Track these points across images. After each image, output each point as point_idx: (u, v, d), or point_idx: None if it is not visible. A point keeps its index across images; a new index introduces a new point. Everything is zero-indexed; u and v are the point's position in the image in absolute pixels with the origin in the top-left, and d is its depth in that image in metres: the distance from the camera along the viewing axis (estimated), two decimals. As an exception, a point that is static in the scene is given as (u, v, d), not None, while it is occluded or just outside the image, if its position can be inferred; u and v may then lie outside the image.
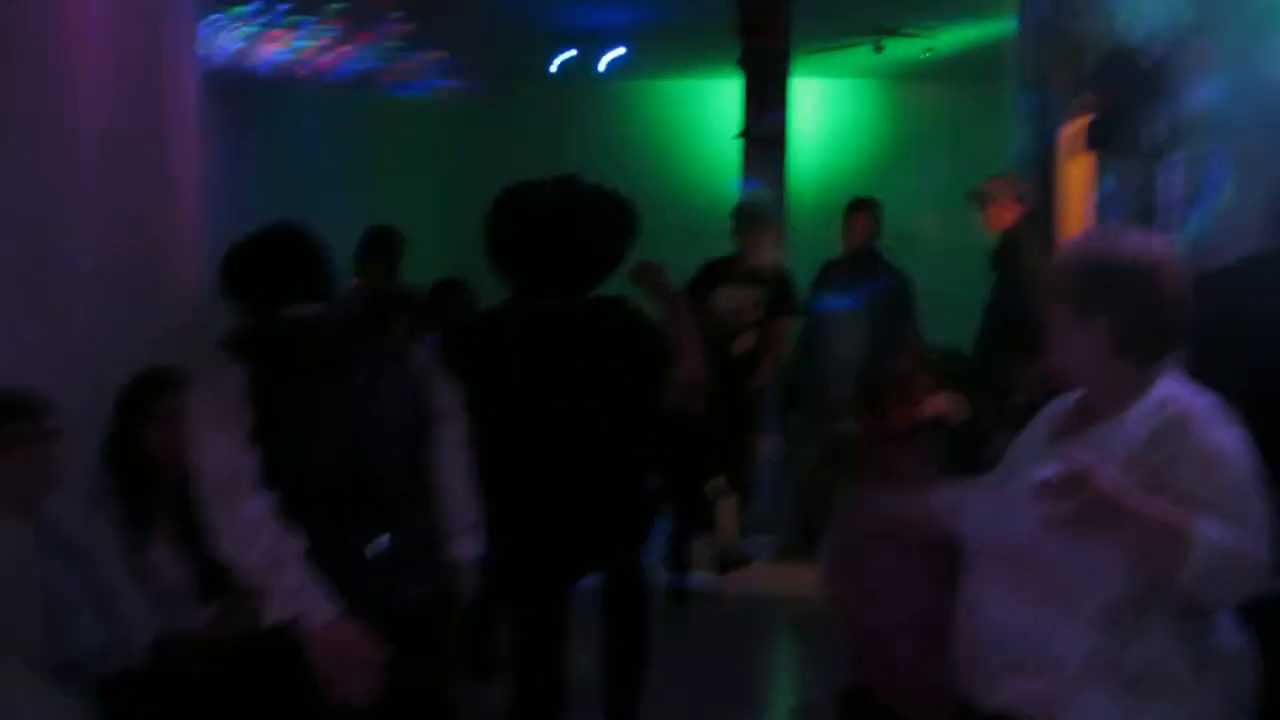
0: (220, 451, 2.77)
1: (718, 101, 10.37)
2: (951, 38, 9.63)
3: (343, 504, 2.85)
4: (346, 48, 7.16)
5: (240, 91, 7.70)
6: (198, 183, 4.55)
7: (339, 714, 2.77)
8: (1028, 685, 2.26)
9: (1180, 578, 2.11)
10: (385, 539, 2.86)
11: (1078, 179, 5.73)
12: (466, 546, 3.10)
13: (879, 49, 9.70)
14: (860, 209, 6.92)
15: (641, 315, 3.92)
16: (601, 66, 10.33)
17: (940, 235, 9.42)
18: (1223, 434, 2.23)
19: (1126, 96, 3.78)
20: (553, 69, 10.32)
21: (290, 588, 2.71)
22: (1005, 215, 6.07)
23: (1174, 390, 2.30)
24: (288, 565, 2.72)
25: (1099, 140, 4.06)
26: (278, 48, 7.02)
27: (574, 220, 3.85)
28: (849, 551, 3.40)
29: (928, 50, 9.85)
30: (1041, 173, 6.89)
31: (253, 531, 2.73)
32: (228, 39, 6.48)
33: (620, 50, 10.11)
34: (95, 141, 4.03)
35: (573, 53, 10.15)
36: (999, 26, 8.95)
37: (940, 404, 6.21)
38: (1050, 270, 2.33)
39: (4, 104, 3.54)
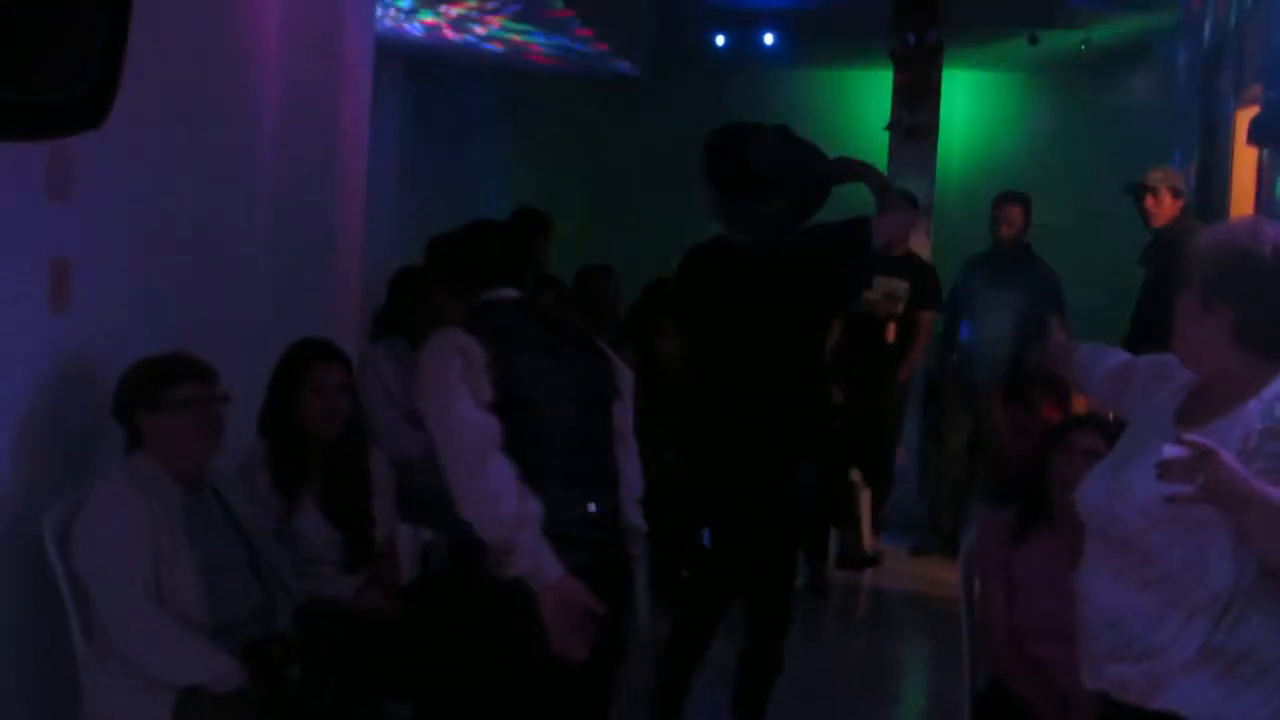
0: (467, 417, 2.92)
1: (870, 92, 10.27)
2: (1110, 29, 9.39)
3: (568, 471, 3.05)
4: (513, 34, 7.26)
5: (408, 70, 7.90)
6: (364, 146, 4.66)
7: (550, 667, 2.94)
8: (1131, 670, 2.29)
9: None
10: (594, 504, 3.09)
11: (1247, 174, 5.56)
12: (638, 515, 3.27)
13: (1034, 40, 9.50)
14: (1011, 202, 6.80)
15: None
16: (755, 51, 10.33)
17: (1086, 231, 9.21)
18: None
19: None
20: (708, 51, 10.34)
21: (530, 546, 2.89)
22: (1164, 209, 5.91)
23: None
24: (529, 525, 2.90)
25: (1262, 136, 3.91)
26: (449, 32, 7.15)
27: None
28: (991, 550, 3.36)
29: (1085, 42, 9.62)
30: (1206, 167, 6.71)
31: (499, 493, 2.89)
32: (398, 17, 6.62)
33: (771, 38, 10.07)
34: (274, 118, 4.17)
35: (722, 39, 10.15)
36: (1159, 17, 8.73)
37: (1089, 404, 6.13)
38: (1186, 257, 2.34)
39: (188, 82, 3.66)
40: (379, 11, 6.48)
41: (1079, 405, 5.99)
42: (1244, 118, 5.08)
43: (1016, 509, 3.36)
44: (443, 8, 6.63)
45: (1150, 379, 2.55)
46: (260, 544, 3.28)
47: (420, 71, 8.24)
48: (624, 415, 3.27)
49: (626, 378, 3.32)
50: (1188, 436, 2.13)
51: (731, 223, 4.06)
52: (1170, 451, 2.11)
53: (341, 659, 3.20)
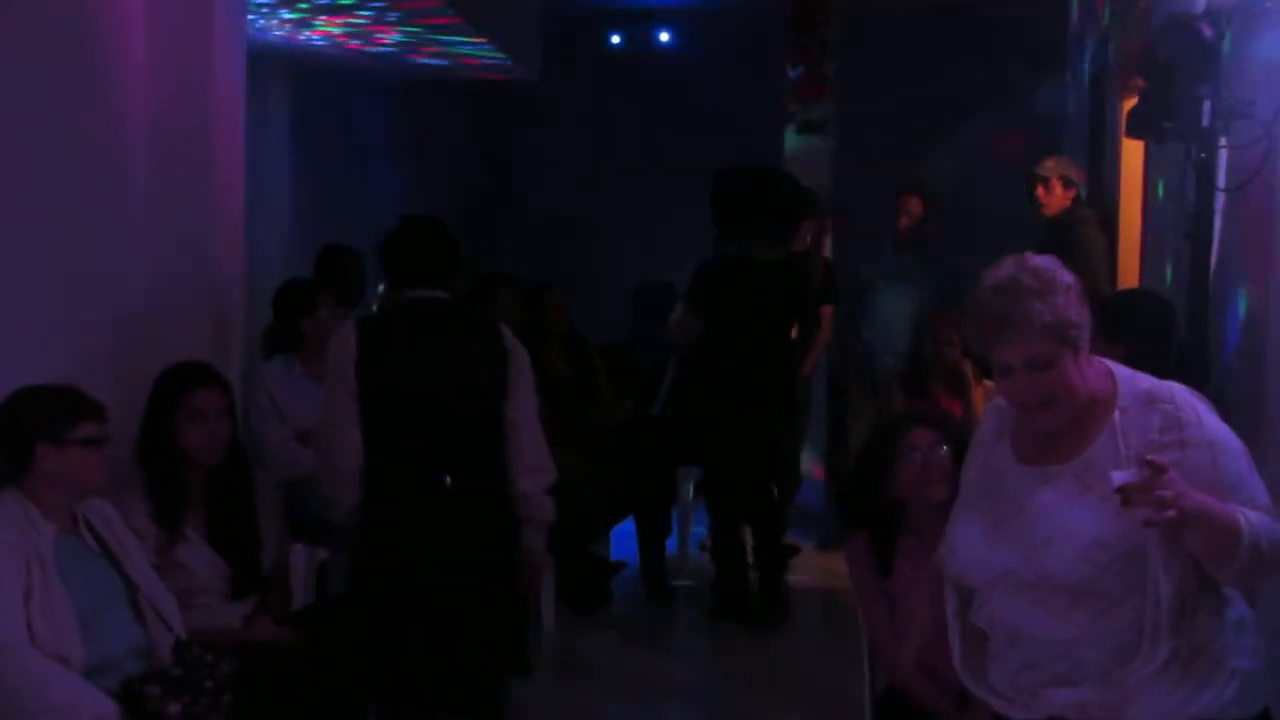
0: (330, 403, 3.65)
1: (767, 87, 10.28)
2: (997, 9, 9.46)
3: (425, 448, 3.65)
4: (392, 33, 7.14)
5: (286, 76, 7.74)
6: (241, 171, 4.53)
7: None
8: (1089, 693, 2.27)
9: (1233, 567, 2.16)
10: (450, 477, 3.64)
11: (1134, 162, 5.61)
12: (530, 483, 3.75)
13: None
14: (911, 192, 6.84)
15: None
16: (651, 49, 10.32)
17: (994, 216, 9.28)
18: (1213, 420, 2.28)
19: (1177, 74, 3.66)
20: (605, 50, 10.32)
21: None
22: (1055, 198, 5.95)
23: (1145, 380, 2.31)
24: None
25: (1139, 128, 3.94)
26: (320, 35, 7.01)
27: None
28: (864, 576, 3.30)
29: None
30: (1095, 156, 6.78)
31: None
32: (271, 24, 6.47)
33: (666, 35, 10.07)
34: (144, 131, 4.02)
35: (617, 38, 10.13)
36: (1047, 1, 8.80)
37: (989, 392, 6.16)
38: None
39: (54, 94, 3.53)
40: (262, 22, 6.34)
41: (978, 396, 6.03)
42: (1128, 105, 5.13)
43: (871, 536, 3.26)
44: (321, 18, 6.50)
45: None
46: (139, 578, 3.18)
47: (309, 80, 8.09)
48: (515, 403, 3.72)
49: (518, 369, 3.77)
50: (1149, 457, 2.10)
51: (752, 240, 5.58)
52: (1121, 478, 2.08)
53: (224, 694, 3.09)
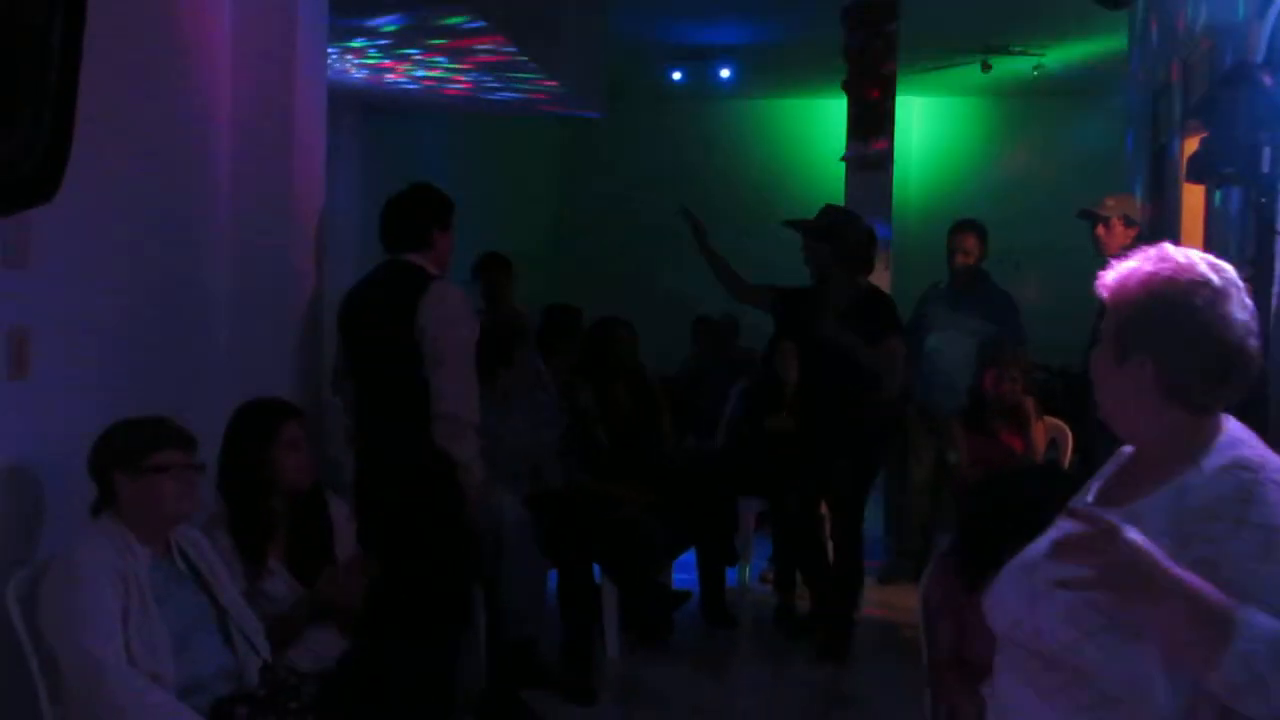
0: None
1: (825, 121, 10.38)
2: (1061, 54, 9.53)
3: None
4: (463, 77, 7.31)
5: (364, 116, 7.94)
6: (320, 206, 4.69)
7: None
8: None
9: (1216, 677, 1.74)
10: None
11: (1195, 202, 5.64)
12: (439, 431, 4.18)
13: (987, 67, 9.63)
14: (966, 230, 6.86)
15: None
16: (711, 84, 10.41)
17: (1049, 255, 9.32)
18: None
19: (1239, 121, 3.72)
20: (666, 86, 10.43)
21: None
22: (1117, 236, 5.97)
23: (1246, 450, 1.94)
24: None
25: (1199, 173, 3.99)
26: (397, 77, 7.19)
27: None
28: (942, 587, 3.35)
29: (1037, 68, 9.76)
30: (1156, 194, 6.80)
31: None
32: (351, 65, 6.66)
33: (726, 71, 10.16)
34: (228, 163, 4.19)
35: (679, 74, 10.24)
36: (1110, 43, 8.86)
37: (1050, 428, 6.20)
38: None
39: (144, 124, 3.68)
40: (334, 57, 6.52)
41: (1038, 432, 6.08)
42: (1190, 148, 5.17)
43: (964, 552, 3.24)
44: (403, 67, 6.69)
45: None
46: (228, 604, 3.29)
47: (378, 115, 8.28)
48: (434, 374, 4.15)
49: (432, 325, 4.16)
50: (1082, 508, 1.86)
51: (832, 276, 5.69)
52: (1064, 527, 1.84)
53: (308, 715, 3.21)
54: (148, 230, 3.75)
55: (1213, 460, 1.93)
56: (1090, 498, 2.08)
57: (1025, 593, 2.01)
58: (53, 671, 3.02)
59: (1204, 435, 1.96)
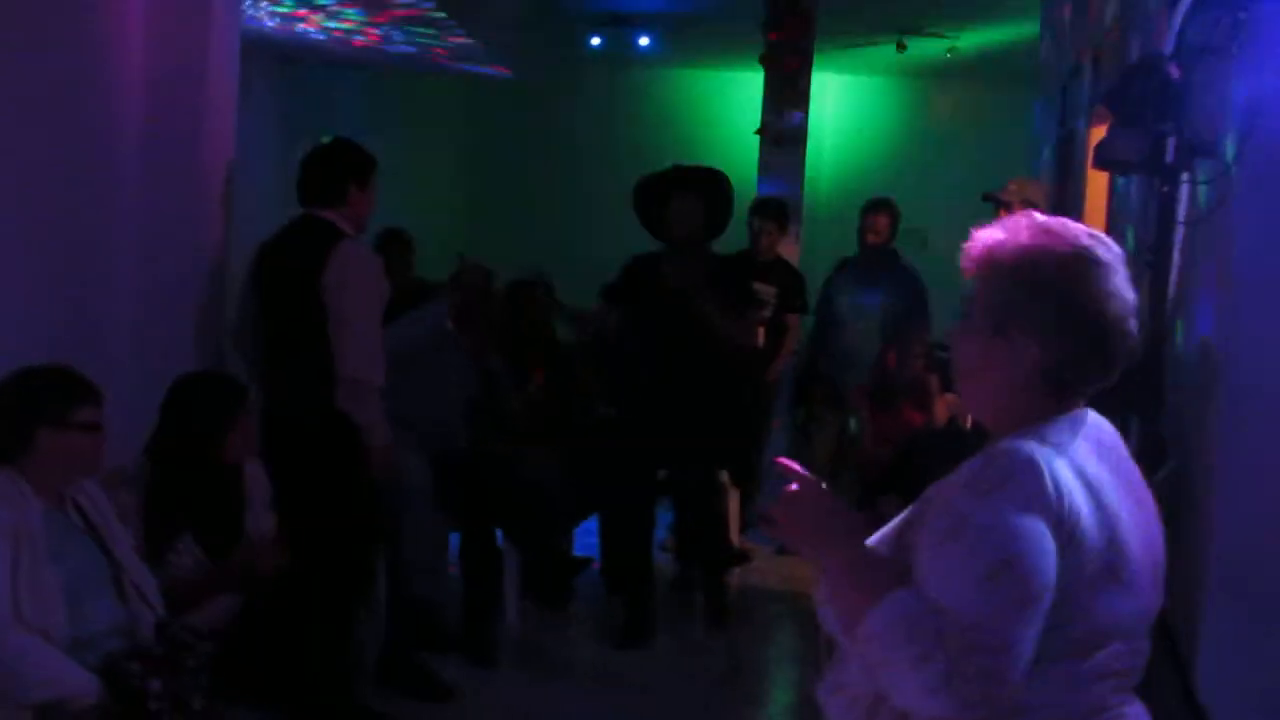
0: None
1: (741, 94, 10.40)
2: (975, 38, 9.65)
3: None
4: (376, 31, 7.21)
5: (274, 66, 7.80)
6: (229, 157, 4.61)
7: None
8: None
9: (861, 650, 1.69)
10: None
11: (1099, 188, 5.75)
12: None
13: (902, 47, 9.72)
14: (880, 209, 6.94)
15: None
16: (630, 52, 10.38)
17: (958, 235, 9.44)
18: (1006, 507, 1.66)
19: (1145, 111, 3.80)
20: (583, 52, 10.37)
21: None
22: (1021, 220, 6.07)
23: (1030, 439, 1.75)
24: None
25: (1106, 159, 4.07)
26: (310, 27, 7.07)
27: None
28: None
29: (950, 50, 9.87)
30: (1062, 179, 6.93)
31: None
32: (264, 14, 6.53)
33: (645, 39, 10.13)
34: (138, 110, 4.09)
35: (597, 40, 10.19)
36: (1023, 29, 8.99)
37: (951, 405, 6.31)
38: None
39: (50, 66, 3.59)
40: (248, 4, 6.39)
41: (941, 410, 6.18)
42: (1096, 136, 5.27)
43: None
44: (311, 14, 6.58)
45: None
46: (123, 557, 3.24)
47: (291, 68, 8.15)
48: (338, 334, 4.11)
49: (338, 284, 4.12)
50: (783, 461, 1.88)
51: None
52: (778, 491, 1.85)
53: (204, 674, 3.17)
54: (50, 175, 3.65)
55: (1023, 440, 1.74)
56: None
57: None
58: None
59: (1058, 421, 1.79)
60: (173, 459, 3.62)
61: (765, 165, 8.03)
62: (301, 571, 3.81)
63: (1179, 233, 4.02)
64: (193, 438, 3.65)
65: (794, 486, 1.83)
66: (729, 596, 5.84)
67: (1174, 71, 3.77)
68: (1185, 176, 3.88)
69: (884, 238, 6.89)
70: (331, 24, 7.00)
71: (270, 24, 6.83)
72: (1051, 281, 1.77)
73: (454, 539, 5.18)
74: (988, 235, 1.85)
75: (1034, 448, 1.71)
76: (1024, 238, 1.81)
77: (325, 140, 4.51)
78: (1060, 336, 1.76)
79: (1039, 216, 1.83)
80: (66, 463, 3.11)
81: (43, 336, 3.53)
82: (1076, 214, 6.22)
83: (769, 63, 8.08)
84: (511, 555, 5.35)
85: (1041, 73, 8.60)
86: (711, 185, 5.46)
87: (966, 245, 1.87)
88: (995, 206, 6.04)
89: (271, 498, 3.89)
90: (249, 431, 3.75)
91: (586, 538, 6.17)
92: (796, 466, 1.86)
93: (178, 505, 3.58)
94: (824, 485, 1.84)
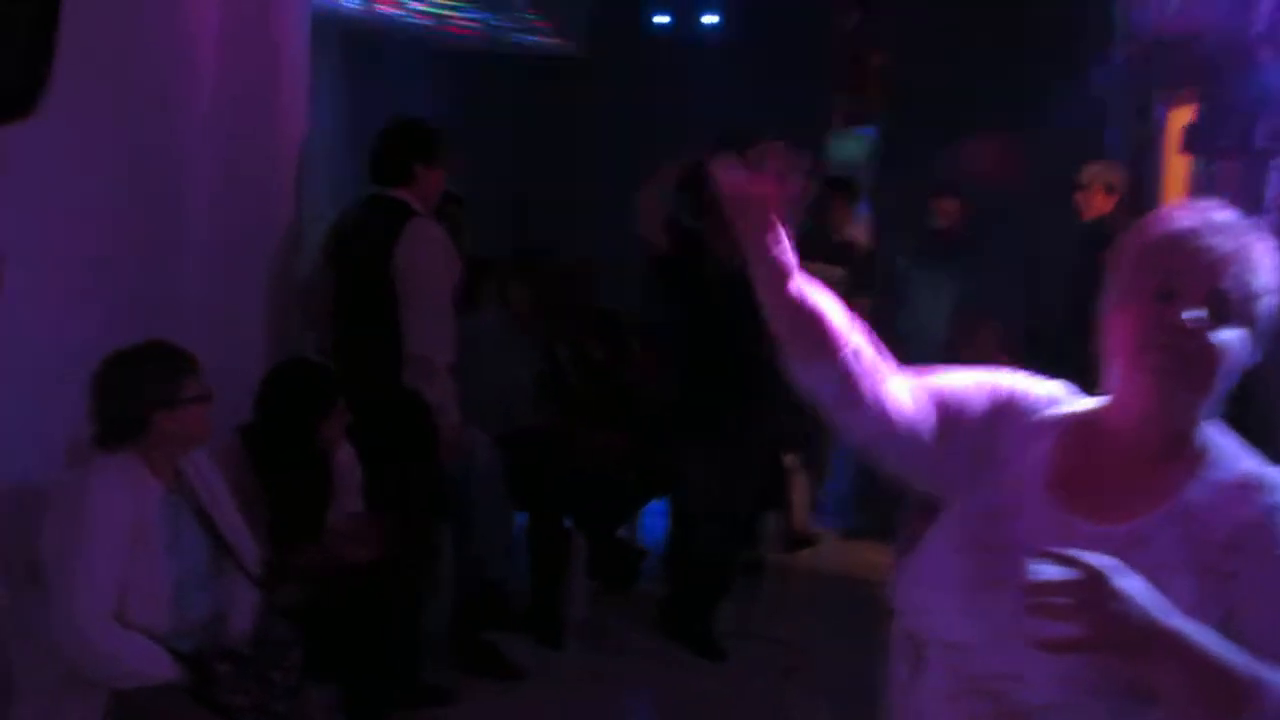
0: None
1: (808, 72, 10.29)
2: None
3: None
4: (445, 7, 7.19)
5: (342, 43, 7.81)
6: (302, 135, 4.61)
7: None
8: None
9: None
10: None
11: (1179, 172, 5.65)
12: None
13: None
14: (946, 191, 6.87)
15: None
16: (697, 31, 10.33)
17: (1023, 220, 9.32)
18: None
19: (1235, 96, 3.72)
20: (649, 29, 10.33)
21: None
22: (1095, 205, 5.99)
23: (1247, 462, 1.62)
24: None
25: (1195, 145, 3.99)
26: (387, 5, 7.07)
27: None
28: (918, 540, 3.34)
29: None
30: (1139, 161, 6.81)
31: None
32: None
33: (713, 17, 10.07)
34: (211, 88, 4.10)
35: (665, 18, 10.14)
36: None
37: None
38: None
39: (125, 47, 3.60)
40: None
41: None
42: (1177, 120, 5.17)
43: None
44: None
45: (980, 421, 1.75)
46: (227, 531, 3.19)
47: (357, 44, 8.14)
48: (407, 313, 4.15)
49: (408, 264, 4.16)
50: (1061, 550, 1.43)
51: None
52: (1039, 571, 1.41)
53: (291, 688, 3.14)
54: (127, 155, 3.66)
55: (1214, 472, 1.60)
56: (1039, 488, 1.68)
57: (989, 625, 1.60)
58: (25, 598, 2.95)
59: (1200, 435, 1.63)
60: (265, 443, 3.63)
61: (836, 143, 7.95)
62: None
63: (1267, 217, 3.94)
64: (287, 424, 3.64)
65: (1061, 572, 1.41)
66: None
67: (1265, 54, 3.69)
68: (1275, 161, 3.80)
69: (953, 221, 6.81)
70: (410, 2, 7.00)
71: (349, 3, 6.83)
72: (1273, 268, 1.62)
73: (520, 518, 5.18)
74: (1188, 212, 1.65)
75: (1253, 469, 1.60)
76: (1237, 220, 1.64)
77: (394, 119, 4.49)
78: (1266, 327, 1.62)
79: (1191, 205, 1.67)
80: (184, 439, 3.09)
81: (116, 313, 3.55)
82: (1156, 198, 6.12)
83: (840, 40, 8.00)
84: (578, 536, 5.34)
85: (1115, 53, 8.43)
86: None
87: (1148, 221, 1.69)
88: (1074, 189, 5.98)
89: (361, 484, 3.88)
90: (340, 419, 3.73)
91: (652, 518, 6.15)
92: (1083, 557, 1.42)
93: (261, 490, 3.58)
94: (1105, 570, 1.42)
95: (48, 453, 3.15)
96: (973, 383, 1.78)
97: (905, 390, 1.76)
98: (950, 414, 1.75)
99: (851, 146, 8.00)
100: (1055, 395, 1.76)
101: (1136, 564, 1.44)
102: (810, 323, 1.72)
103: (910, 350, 6.17)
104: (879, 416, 1.73)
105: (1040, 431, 1.72)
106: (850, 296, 6.28)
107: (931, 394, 1.76)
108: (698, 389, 5.12)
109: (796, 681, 4.97)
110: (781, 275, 1.70)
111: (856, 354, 1.72)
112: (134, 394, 3.03)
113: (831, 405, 1.74)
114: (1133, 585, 1.41)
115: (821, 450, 6.82)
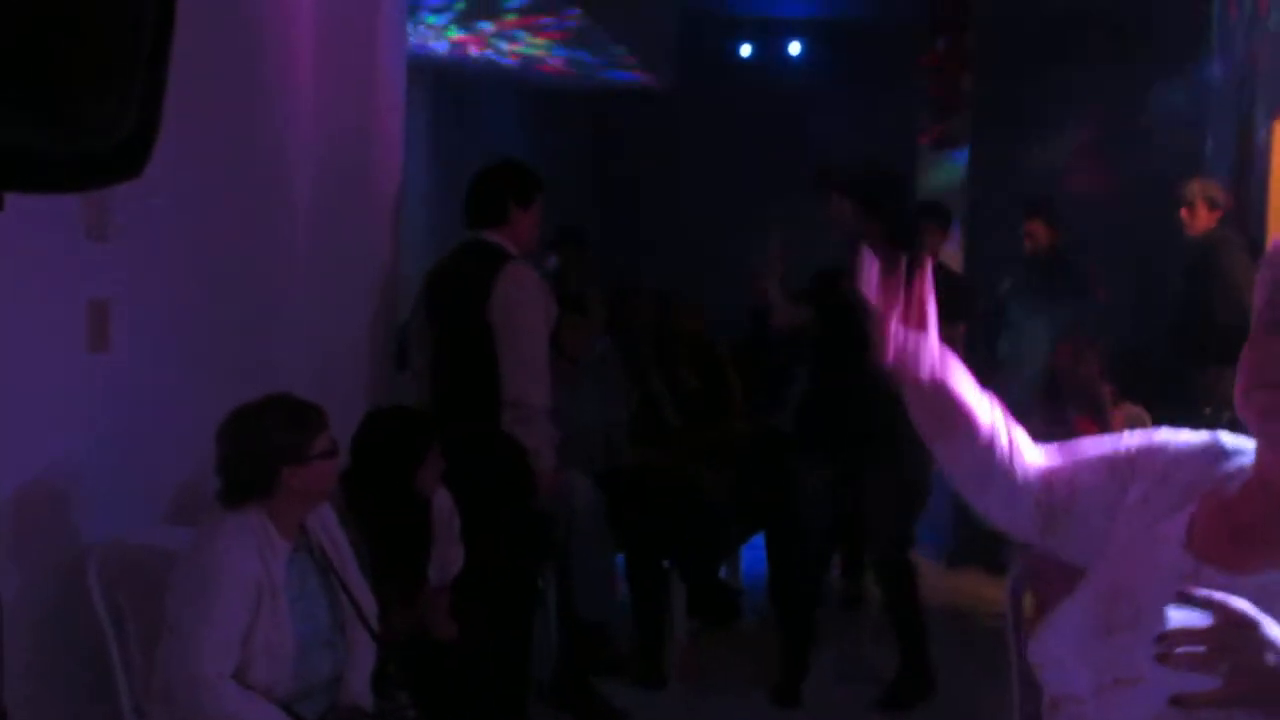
0: None
1: (899, 101, 10.22)
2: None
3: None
4: (537, 47, 7.26)
5: (425, 82, 7.91)
6: (397, 185, 4.65)
7: None
8: None
9: None
10: None
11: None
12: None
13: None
14: (1033, 214, 6.77)
15: None
16: (780, 60, 10.30)
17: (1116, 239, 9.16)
18: None
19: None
20: (734, 60, 10.33)
21: None
22: (1199, 220, 5.86)
23: None
24: None
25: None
26: (477, 48, 7.16)
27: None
28: (1035, 571, 3.26)
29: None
30: (1241, 176, 6.64)
31: None
32: (426, 35, 6.62)
33: (797, 46, 10.04)
34: (309, 140, 4.15)
35: (748, 48, 10.13)
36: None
37: (1130, 417, 6.07)
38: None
39: (226, 101, 3.66)
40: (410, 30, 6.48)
41: (1116, 419, 5.95)
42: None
43: None
44: (478, 25, 6.64)
45: (1110, 476, 1.69)
46: (356, 592, 3.14)
47: (446, 87, 8.25)
48: (504, 359, 4.17)
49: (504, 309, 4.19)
50: (1202, 593, 1.29)
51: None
52: (1176, 618, 1.29)
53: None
54: (228, 209, 3.73)
55: None
56: (1180, 554, 1.54)
57: (1100, 670, 1.52)
58: (131, 650, 2.97)
59: None
60: (363, 490, 3.63)
61: (926, 170, 7.87)
62: (476, 594, 3.81)
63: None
64: (384, 471, 3.64)
65: (1200, 617, 1.29)
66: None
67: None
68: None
69: (1040, 243, 6.69)
70: (503, 45, 7.07)
71: (439, 48, 6.93)
72: None
73: (620, 559, 5.15)
74: None
75: None
76: None
77: (490, 162, 4.51)
78: None
79: None
80: (311, 495, 3.02)
81: (218, 365, 3.60)
82: (1260, 210, 5.96)
83: (927, 66, 7.92)
84: (678, 576, 5.30)
85: (1215, 63, 8.25)
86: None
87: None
88: (1177, 205, 5.86)
89: (459, 530, 3.88)
90: (436, 465, 3.73)
91: (754, 551, 6.08)
92: (1230, 602, 1.30)
93: (361, 538, 3.58)
94: (1252, 617, 1.29)
95: (153, 508, 3.18)
96: (1109, 452, 1.73)
97: (1039, 470, 1.76)
98: (1081, 497, 1.73)
99: (942, 171, 7.90)
100: (1204, 447, 1.66)
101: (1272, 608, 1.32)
102: (945, 409, 1.75)
103: (1011, 376, 6.08)
104: (1009, 503, 1.76)
105: (1185, 499, 1.62)
106: (944, 323, 6.13)
107: (1065, 475, 1.75)
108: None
109: (901, 715, 4.87)
110: (915, 374, 1.72)
111: (992, 441, 1.74)
112: (262, 450, 2.94)
113: (962, 487, 1.79)
114: (1269, 634, 1.27)
115: (923, 479, 6.71)
